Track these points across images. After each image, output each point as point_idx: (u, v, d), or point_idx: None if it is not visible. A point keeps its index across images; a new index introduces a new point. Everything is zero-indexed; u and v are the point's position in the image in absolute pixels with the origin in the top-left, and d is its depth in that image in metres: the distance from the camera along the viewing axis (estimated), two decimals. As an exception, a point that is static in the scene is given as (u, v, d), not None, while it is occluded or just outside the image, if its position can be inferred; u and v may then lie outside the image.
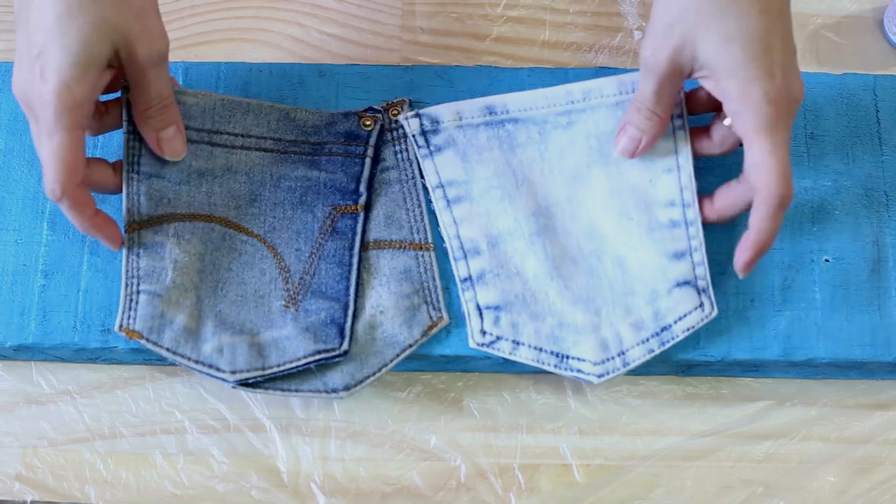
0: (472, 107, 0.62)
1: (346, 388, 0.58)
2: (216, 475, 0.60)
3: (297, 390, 0.58)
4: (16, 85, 0.54)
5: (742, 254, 0.57)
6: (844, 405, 0.62)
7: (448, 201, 0.61)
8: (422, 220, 0.61)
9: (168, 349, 0.57)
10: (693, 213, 0.59)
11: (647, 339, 0.58)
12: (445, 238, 0.60)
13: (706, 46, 0.53)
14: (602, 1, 0.71)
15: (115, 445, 0.61)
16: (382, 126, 0.63)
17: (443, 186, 0.61)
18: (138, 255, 0.58)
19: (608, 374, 0.57)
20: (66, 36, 0.52)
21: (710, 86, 0.55)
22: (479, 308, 0.59)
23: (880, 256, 0.61)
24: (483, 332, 0.59)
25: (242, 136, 0.62)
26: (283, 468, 0.60)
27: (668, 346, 0.58)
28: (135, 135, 0.59)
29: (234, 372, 0.56)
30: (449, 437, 0.61)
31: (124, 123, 0.59)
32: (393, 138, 0.63)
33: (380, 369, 0.58)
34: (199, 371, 0.57)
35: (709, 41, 0.52)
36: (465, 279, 0.60)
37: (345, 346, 0.58)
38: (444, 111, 0.62)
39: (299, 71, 0.65)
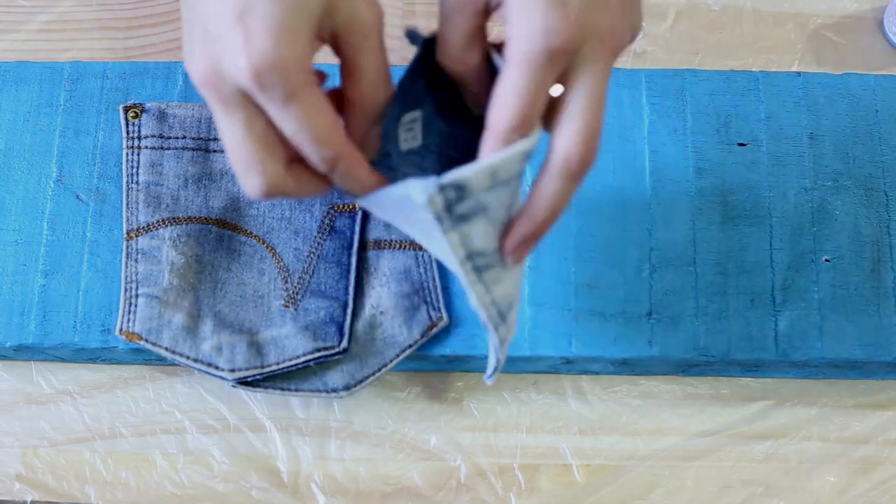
0: (511, 159, 0.42)
1: (346, 387, 0.58)
2: (216, 475, 0.60)
3: (296, 390, 0.58)
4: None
5: (512, 234, 0.44)
6: (844, 405, 0.62)
7: (479, 272, 0.47)
8: (422, 220, 0.61)
9: (167, 348, 0.57)
10: None
11: None
12: (480, 309, 0.48)
13: None
14: (602, 1, 0.71)
15: (115, 445, 0.61)
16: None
17: (472, 257, 0.46)
18: (136, 261, 0.59)
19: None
20: None
21: (502, 15, 0.42)
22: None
23: (880, 256, 0.61)
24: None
25: None
26: (283, 468, 0.60)
27: None
28: (134, 150, 0.61)
29: (232, 370, 0.56)
30: (449, 437, 0.61)
31: (123, 139, 0.61)
32: (393, 138, 0.63)
33: (380, 369, 0.58)
34: (198, 369, 0.57)
35: None
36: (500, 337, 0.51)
37: (344, 343, 0.58)
38: (473, 177, 0.42)
39: (299, 71, 0.65)
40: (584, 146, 0.42)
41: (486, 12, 0.43)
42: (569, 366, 0.61)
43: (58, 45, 0.69)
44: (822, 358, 0.59)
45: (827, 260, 0.61)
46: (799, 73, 0.65)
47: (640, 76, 0.65)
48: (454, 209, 0.43)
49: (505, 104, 0.41)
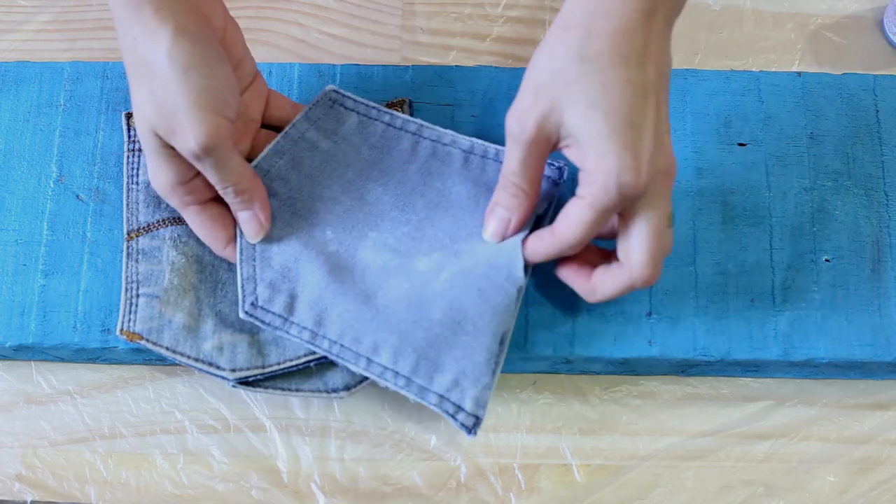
0: None
1: (346, 388, 0.58)
2: (216, 475, 0.60)
3: (297, 390, 0.58)
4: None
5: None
6: (844, 405, 0.62)
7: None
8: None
9: (168, 348, 0.57)
10: None
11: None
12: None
13: (572, 113, 0.49)
14: (602, 1, 0.71)
15: (115, 445, 0.61)
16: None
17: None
18: (137, 261, 0.59)
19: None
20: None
21: (572, 155, 0.51)
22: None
23: (880, 256, 0.61)
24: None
25: None
26: (283, 468, 0.60)
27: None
28: (135, 152, 0.61)
29: (233, 370, 0.56)
30: (449, 437, 0.61)
31: (125, 143, 0.62)
32: (393, 138, 0.63)
33: (380, 369, 0.58)
34: (199, 369, 0.57)
35: (575, 107, 0.49)
36: None
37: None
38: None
39: (299, 71, 0.65)
40: (652, 269, 0.52)
41: (550, 147, 0.52)
42: (569, 366, 0.61)
43: (58, 45, 0.69)
44: (822, 358, 0.59)
45: (827, 260, 0.61)
46: (799, 73, 0.65)
47: (640, 76, 0.65)
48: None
49: (572, 228, 0.51)
